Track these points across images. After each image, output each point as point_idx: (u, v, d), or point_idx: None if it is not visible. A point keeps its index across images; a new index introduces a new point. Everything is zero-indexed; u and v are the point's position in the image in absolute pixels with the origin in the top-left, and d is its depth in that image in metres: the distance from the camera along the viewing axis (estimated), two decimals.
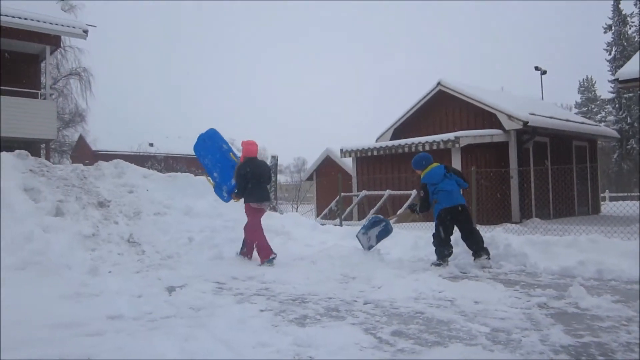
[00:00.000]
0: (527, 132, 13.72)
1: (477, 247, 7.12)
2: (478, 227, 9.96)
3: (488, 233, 8.21)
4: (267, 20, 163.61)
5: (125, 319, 4.17)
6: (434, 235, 7.37)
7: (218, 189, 7.72)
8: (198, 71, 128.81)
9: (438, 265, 7.06)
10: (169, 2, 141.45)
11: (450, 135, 12.68)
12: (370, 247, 7.67)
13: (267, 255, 7.03)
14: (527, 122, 13.19)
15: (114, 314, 4.26)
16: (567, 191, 14.65)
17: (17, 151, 7.97)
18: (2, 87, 14.59)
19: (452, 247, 7.28)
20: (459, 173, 7.55)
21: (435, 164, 7.49)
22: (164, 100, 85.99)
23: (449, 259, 7.22)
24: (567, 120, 15.86)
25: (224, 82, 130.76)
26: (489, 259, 7.05)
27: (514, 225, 11.26)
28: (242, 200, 7.46)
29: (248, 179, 7.25)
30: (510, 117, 13.45)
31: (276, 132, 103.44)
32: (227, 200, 7.80)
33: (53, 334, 3.66)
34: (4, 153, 7.76)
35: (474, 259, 7.09)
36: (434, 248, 7.30)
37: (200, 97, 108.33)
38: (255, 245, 7.26)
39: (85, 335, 3.68)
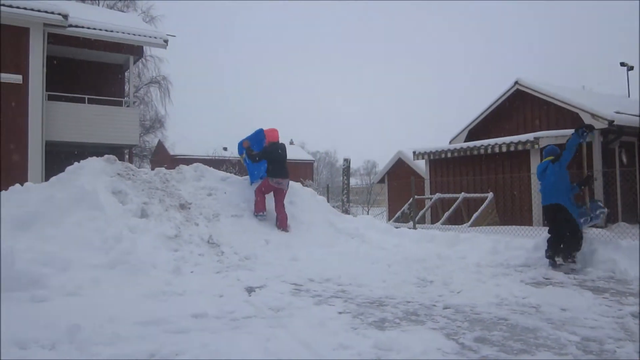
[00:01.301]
0: (612, 132, 12.99)
1: (565, 251, 6.94)
2: None
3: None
4: (339, 23, 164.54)
5: (209, 317, 4.28)
6: None
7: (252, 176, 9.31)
8: (270, 76, 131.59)
9: (551, 264, 6.97)
10: (243, 6, 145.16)
11: (529, 136, 12.23)
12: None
13: (257, 211, 8.50)
14: (613, 121, 12.47)
15: (198, 312, 4.37)
16: None
17: (105, 156, 8.42)
18: (91, 96, 15.54)
19: (555, 246, 7.07)
20: (559, 155, 7.22)
21: (546, 159, 7.42)
22: (237, 105, 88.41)
23: (552, 263, 7.04)
24: None
25: (295, 85, 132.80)
26: (568, 264, 6.88)
27: (599, 229, 10.68)
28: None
29: (273, 159, 8.69)
30: (594, 116, 12.77)
31: (346, 135, 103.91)
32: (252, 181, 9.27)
33: (143, 330, 3.82)
34: (94, 158, 8.23)
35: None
36: None
37: (271, 101, 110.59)
38: (255, 201, 8.59)
39: (173, 333, 3.81)
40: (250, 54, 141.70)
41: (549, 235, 7.21)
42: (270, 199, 8.76)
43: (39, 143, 13.62)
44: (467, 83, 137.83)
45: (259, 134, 9.28)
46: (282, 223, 8.49)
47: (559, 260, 7.03)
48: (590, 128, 7.35)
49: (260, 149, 9.05)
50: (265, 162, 8.97)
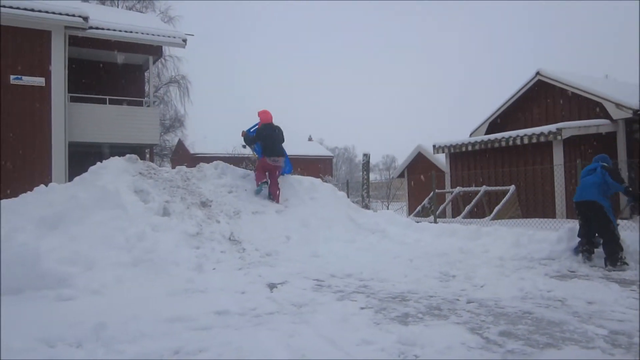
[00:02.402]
0: (637, 122, 12.74)
1: (606, 255, 6.64)
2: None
3: None
4: (357, 18, 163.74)
5: (231, 314, 4.29)
6: None
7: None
8: (289, 72, 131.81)
9: (586, 257, 6.80)
10: (262, 4, 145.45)
11: (552, 127, 12.04)
12: None
13: (259, 180, 9.04)
14: (638, 111, 12.23)
15: (221, 309, 4.39)
16: None
17: (127, 155, 8.51)
18: (112, 97, 15.73)
19: (585, 243, 6.86)
20: (613, 173, 6.95)
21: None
22: (256, 102, 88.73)
23: (587, 256, 6.83)
24: None
25: (313, 81, 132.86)
26: (612, 269, 6.43)
27: (623, 221, 10.49)
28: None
29: (266, 139, 9.17)
30: (618, 105, 12.54)
31: (365, 130, 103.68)
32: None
33: (167, 327, 3.84)
34: (116, 157, 8.33)
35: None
36: None
37: (290, 98, 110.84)
38: (255, 176, 9.19)
39: (196, 330, 3.83)
40: (269, 51, 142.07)
41: (580, 231, 6.99)
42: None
43: (62, 144, 13.82)
44: (487, 75, 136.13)
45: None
46: (275, 197, 9.08)
47: (591, 261, 6.77)
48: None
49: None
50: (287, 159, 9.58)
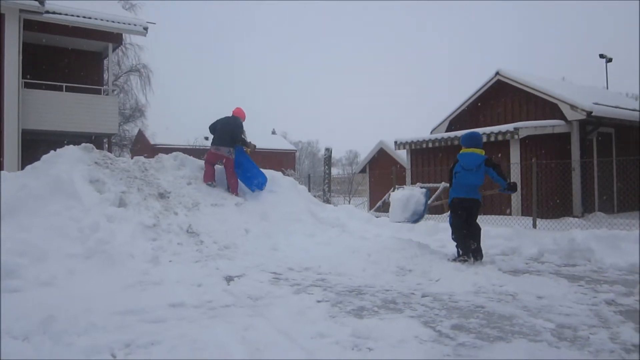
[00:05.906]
0: (590, 123, 13.16)
1: (478, 249, 6.66)
2: (537, 220, 9.70)
3: (550, 225, 7.95)
4: (320, 14, 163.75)
5: (187, 307, 4.25)
6: (450, 224, 6.90)
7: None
8: (252, 64, 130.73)
9: (464, 261, 6.44)
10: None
11: (509, 126, 12.31)
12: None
13: (205, 180, 8.93)
14: (591, 112, 12.62)
15: (176, 302, 4.34)
16: (634, 184, 13.97)
17: (83, 144, 8.28)
18: (69, 84, 15.27)
19: (472, 243, 6.67)
20: (499, 170, 6.74)
21: (478, 150, 6.83)
22: (218, 94, 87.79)
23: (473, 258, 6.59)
24: (635, 110, 15.10)
25: (277, 74, 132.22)
26: (465, 261, 6.43)
27: (575, 219, 10.85)
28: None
29: (216, 128, 9.22)
30: (573, 107, 12.91)
31: (329, 124, 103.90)
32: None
33: (119, 320, 3.78)
34: (71, 146, 8.09)
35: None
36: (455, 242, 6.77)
37: (253, 90, 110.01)
38: (204, 172, 9.06)
39: (150, 322, 3.78)
40: (232, 42, 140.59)
41: (461, 232, 6.73)
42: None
43: (15, 132, 13.35)
44: (449, 73, 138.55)
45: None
46: (232, 188, 8.98)
47: (469, 258, 6.54)
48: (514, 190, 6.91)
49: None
50: (258, 172, 9.30)
